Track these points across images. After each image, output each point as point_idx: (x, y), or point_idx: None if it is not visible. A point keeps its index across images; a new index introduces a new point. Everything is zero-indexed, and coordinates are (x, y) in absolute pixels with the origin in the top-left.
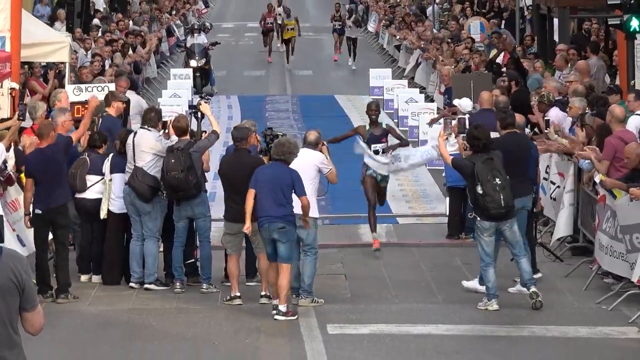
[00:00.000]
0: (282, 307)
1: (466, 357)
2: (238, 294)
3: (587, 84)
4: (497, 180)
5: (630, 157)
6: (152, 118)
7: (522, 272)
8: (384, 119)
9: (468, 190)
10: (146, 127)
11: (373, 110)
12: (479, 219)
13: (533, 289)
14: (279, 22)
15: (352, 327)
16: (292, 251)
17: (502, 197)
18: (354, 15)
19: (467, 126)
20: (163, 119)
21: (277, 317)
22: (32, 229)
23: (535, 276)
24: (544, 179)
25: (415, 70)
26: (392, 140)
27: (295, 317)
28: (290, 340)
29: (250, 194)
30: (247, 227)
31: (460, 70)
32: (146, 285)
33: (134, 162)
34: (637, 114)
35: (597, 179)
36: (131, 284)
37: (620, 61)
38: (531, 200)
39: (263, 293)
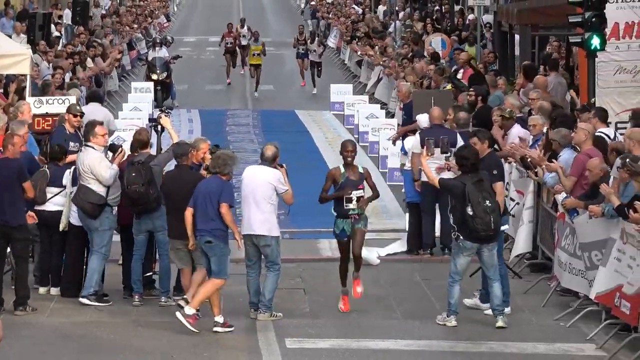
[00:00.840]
0: (188, 310)
1: None
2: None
3: (549, 100)
4: (488, 202)
5: (594, 170)
6: (92, 133)
7: (493, 297)
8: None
9: (452, 210)
10: (89, 143)
11: (349, 151)
12: (461, 238)
13: (500, 322)
14: (244, 43)
15: (310, 341)
16: (223, 266)
17: (492, 219)
18: (317, 39)
19: (446, 145)
20: (116, 144)
21: (178, 315)
22: None
23: (505, 310)
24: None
25: (376, 86)
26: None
27: (197, 330)
28: (249, 354)
29: (188, 211)
30: (191, 244)
31: (426, 87)
32: (80, 299)
33: (79, 179)
34: (599, 132)
35: (559, 199)
36: (81, 299)
37: (581, 79)
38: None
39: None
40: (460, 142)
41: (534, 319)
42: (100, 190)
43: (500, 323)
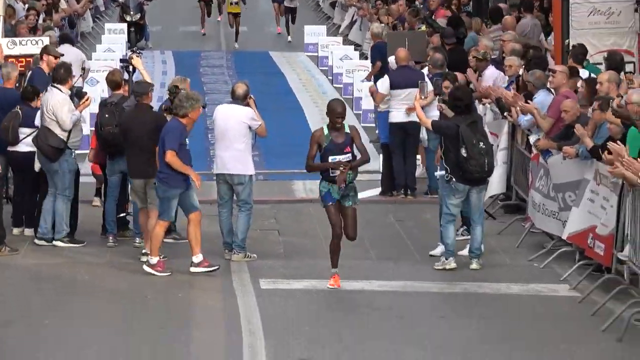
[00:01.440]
0: (152, 260)
1: (398, 313)
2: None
3: (524, 42)
4: (482, 144)
5: (570, 111)
6: (61, 75)
7: (474, 239)
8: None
9: (445, 152)
10: (56, 85)
11: (339, 115)
12: (454, 180)
13: (474, 265)
14: None
15: (285, 282)
16: (164, 208)
17: (486, 161)
18: None
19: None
20: (83, 91)
21: (145, 267)
22: None
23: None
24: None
25: (350, 28)
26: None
27: (168, 274)
28: (223, 295)
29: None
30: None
31: (402, 28)
32: (54, 242)
33: (41, 120)
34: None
35: (531, 139)
36: (35, 241)
37: (555, 20)
38: None
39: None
40: (428, 83)
41: (507, 260)
42: (61, 133)
43: (474, 265)
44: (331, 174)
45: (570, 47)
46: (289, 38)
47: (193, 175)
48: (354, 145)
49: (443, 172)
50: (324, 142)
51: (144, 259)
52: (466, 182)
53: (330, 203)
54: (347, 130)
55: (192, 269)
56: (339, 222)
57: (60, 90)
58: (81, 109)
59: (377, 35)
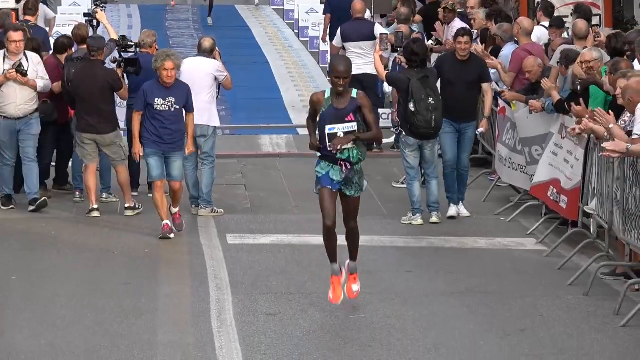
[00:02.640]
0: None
1: (365, 268)
2: (96, 206)
3: None
4: (431, 100)
5: (532, 70)
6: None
7: (430, 193)
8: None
9: (398, 104)
10: None
11: (340, 72)
12: (404, 133)
13: (434, 218)
14: None
15: (252, 237)
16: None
17: (433, 117)
18: None
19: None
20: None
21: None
22: None
23: (452, 213)
24: None
25: None
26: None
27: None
28: (190, 250)
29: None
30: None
31: None
32: None
33: None
34: (541, 25)
35: (496, 88)
36: None
37: None
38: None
39: (127, 205)
40: (378, 32)
41: (474, 214)
42: None
43: (434, 219)
44: (329, 148)
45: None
46: (255, 2)
47: (133, 144)
48: (362, 115)
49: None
50: (321, 106)
51: (95, 214)
52: (415, 137)
53: (327, 186)
54: (354, 95)
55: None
56: (332, 213)
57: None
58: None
59: None
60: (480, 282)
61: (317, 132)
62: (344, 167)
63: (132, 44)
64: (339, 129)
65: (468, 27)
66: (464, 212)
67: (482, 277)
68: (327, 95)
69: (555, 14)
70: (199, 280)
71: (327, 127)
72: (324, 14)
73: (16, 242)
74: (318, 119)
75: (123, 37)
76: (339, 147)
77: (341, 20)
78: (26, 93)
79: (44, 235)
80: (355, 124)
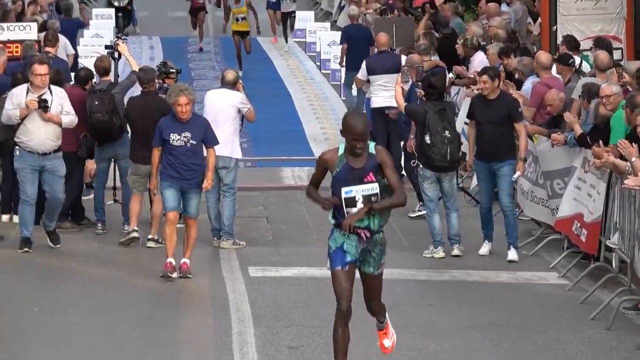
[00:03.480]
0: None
1: (387, 300)
2: (136, 227)
3: (509, 28)
4: (447, 133)
5: (553, 104)
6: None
7: (450, 226)
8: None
9: (415, 136)
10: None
11: (357, 134)
12: (421, 166)
13: (456, 251)
14: (229, 5)
15: (274, 269)
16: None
17: (449, 150)
18: None
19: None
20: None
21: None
22: None
23: (511, 257)
24: (465, 123)
25: (339, 14)
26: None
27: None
28: (212, 283)
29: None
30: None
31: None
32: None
33: None
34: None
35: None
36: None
37: (543, 6)
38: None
39: (150, 236)
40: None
41: (496, 248)
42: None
43: (456, 251)
44: (346, 213)
45: (559, 35)
46: (286, 47)
47: (152, 177)
48: (382, 174)
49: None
50: (335, 167)
51: (150, 244)
52: (431, 169)
53: (340, 267)
54: (372, 151)
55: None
56: (347, 294)
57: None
58: (22, 113)
59: (353, 17)
60: (502, 316)
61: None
62: (362, 236)
63: (174, 70)
64: (358, 191)
65: (490, 65)
66: (513, 256)
67: (504, 311)
68: (341, 152)
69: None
70: (221, 313)
71: (344, 190)
72: (340, 43)
73: (38, 274)
74: (332, 181)
75: (164, 64)
76: (348, 227)
77: (356, 49)
78: (50, 129)
79: (66, 267)
80: (376, 184)
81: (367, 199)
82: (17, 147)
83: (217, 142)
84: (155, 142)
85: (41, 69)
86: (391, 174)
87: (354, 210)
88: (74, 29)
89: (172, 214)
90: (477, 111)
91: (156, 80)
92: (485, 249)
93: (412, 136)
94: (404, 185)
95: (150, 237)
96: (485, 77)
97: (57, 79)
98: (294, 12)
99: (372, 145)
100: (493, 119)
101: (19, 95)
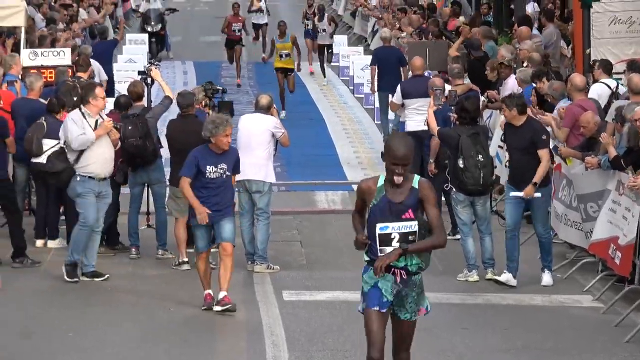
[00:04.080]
0: (222, 294)
1: (421, 324)
2: (186, 259)
3: (542, 52)
4: (480, 157)
5: (587, 126)
6: (95, 96)
7: (485, 250)
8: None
9: (449, 161)
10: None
11: (399, 157)
12: (454, 190)
13: (490, 275)
14: (260, 22)
15: (308, 293)
16: (196, 238)
17: (482, 174)
18: (326, 15)
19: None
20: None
21: (216, 308)
22: None
23: (545, 282)
24: (499, 147)
25: (372, 38)
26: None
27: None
28: (246, 307)
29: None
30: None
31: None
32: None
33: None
34: (601, 82)
35: (552, 143)
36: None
37: (576, 30)
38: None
39: (181, 260)
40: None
41: (530, 271)
42: (71, 156)
43: (490, 275)
44: (380, 252)
45: (592, 58)
46: (325, 81)
47: (196, 208)
48: (423, 210)
49: None
50: (372, 198)
51: (184, 267)
52: (464, 193)
53: (375, 308)
54: (416, 185)
55: (216, 308)
56: (380, 343)
57: (80, 110)
58: (98, 133)
59: (385, 39)
60: (536, 339)
61: (367, 230)
62: (398, 277)
63: (219, 89)
64: (394, 229)
65: (519, 89)
66: (548, 280)
67: (538, 334)
68: (381, 183)
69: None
70: (255, 337)
71: (379, 225)
72: (370, 66)
73: (73, 299)
74: (368, 213)
75: (210, 83)
76: (381, 271)
77: (387, 71)
78: (111, 153)
79: (101, 292)
80: (415, 223)
81: (404, 237)
82: (78, 173)
83: (239, 172)
84: (188, 172)
85: (101, 92)
86: (433, 211)
87: (389, 250)
88: (109, 51)
89: (205, 253)
90: (507, 137)
91: (203, 100)
92: (505, 276)
93: (431, 160)
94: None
95: (181, 260)
96: (504, 107)
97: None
98: (331, 45)
99: (417, 179)
100: (520, 145)
101: (81, 120)
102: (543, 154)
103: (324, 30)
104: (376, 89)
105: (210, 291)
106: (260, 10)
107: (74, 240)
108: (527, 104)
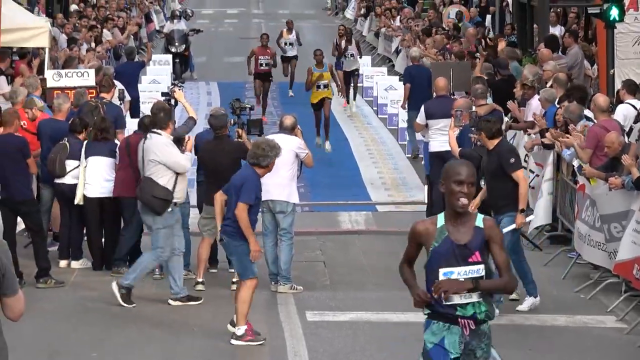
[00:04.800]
0: (239, 331)
1: None
2: (201, 279)
3: (565, 73)
4: None
5: (611, 146)
6: (161, 119)
7: None
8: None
9: None
10: (156, 130)
11: (466, 175)
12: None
13: (513, 295)
14: (289, 54)
15: (331, 314)
16: (246, 264)
17: None
18: (353, 41)
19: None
20: (181, 133)
21: (233, 341)
22: None
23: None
24: (523, 167)
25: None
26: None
27: (262, 341)
28: (269, 327)
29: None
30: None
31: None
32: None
33: (143, 171)
34: (626, 103)
35: (575, 163)
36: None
37: (600, 50)
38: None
39: (200, 279)
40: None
41: (554, 291)
42: (166, 183)
43: (513, 296)
44: (444, 302)
45: (616, 78)
46: (354, 107)
47: (252, 243)
48: (489, 251)
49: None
50: (432, 241)
51: (199, 287)
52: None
53: None
54: (480, 224)
55: (233, 342)
56: None
57: (161, 134)
58: (189, 149)
59: (414, 58)
60: (560, 359)
61: (426, 278)
62: (466, 329)
63: (247, 106)
64: (460, 274)
65: (542, 109)
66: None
67: (562, 355)
68: (441, 223)
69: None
70: (278, 357)
71: (442, 271)
72: (404, 83)
73: (97, 318)
74: (428, 259)
75: (237, 100)
76: (444, 294)
77: (418, 89)
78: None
79: (124, 312)
80: (482, 266)
81: (471, 282)
82: (177, 205)
83: None
84: (250, 199)
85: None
86: (500, 252)
87: (456, 298)
88: (136, 72)
89: (257, 280)
90: (482, 161)
91: (230, 119)
92: (527, 303)
93: (442, 181)
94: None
95: (197, 280)
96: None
97: (103, 127)
98: (357, 70)
99: (480, 217)
100: (489, 168)
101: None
102: (517, 175)
103: (352, 55)
104: (406, 106)
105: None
106: (290, 43)
107: (141, 267)
108: (499, 129)
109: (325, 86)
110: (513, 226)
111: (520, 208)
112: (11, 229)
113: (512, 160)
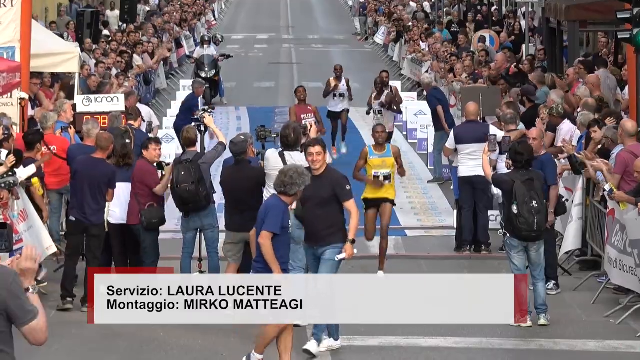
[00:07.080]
0: (256, 356)
1: None
2: None
3: (597, 97)
4: (534, 203)
5: None
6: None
7: (537, 296)
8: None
9: (502, 205)
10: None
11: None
12: (508, 235)
13: (542, 320)
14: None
15: (360, 338)
16: None
17: (535, 220)
18: (385, 92)
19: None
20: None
21: None
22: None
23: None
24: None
25: None
26: None
27: None
28: (297, 354)
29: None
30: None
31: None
32: None
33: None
34: None
35: (606, 187)
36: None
37: (630, 75)
38: None
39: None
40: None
41: (583, 316)
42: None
43: (542, 321)
44: None
45: None
46: (343, 149)
47: (277, 272)
48: None
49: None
50: None
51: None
52: (518, 238)
53: None
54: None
55: None
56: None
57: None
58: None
59: (427, 85)
60: None
61: None
62: None
63: (273, 135)
64: None
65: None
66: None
67: None
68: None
69: None
70: None
71: None
72: (432, 109)
73: (124, 344)
74: None
75: (262, 127)
76: None
77: (435, 112)
78: None
79: (152, 337)
80: None
81: None
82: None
83: None
84: (275, 227)
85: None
86: None
87: None
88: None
89: None
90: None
91: (252, 147)
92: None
93: (551, 209)
94: None
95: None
96: (318, 149)
97: (124, 153)
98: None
99: None
100: (318, 194)
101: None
102: (349, 205)
103: (342, 95)
104: (446, 127)
105: None
106: (340, 94)
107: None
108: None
109: (387, 178)
110: (343, 255)
111: (351, 238)
112: (77, 250)
113: (349, 187)
